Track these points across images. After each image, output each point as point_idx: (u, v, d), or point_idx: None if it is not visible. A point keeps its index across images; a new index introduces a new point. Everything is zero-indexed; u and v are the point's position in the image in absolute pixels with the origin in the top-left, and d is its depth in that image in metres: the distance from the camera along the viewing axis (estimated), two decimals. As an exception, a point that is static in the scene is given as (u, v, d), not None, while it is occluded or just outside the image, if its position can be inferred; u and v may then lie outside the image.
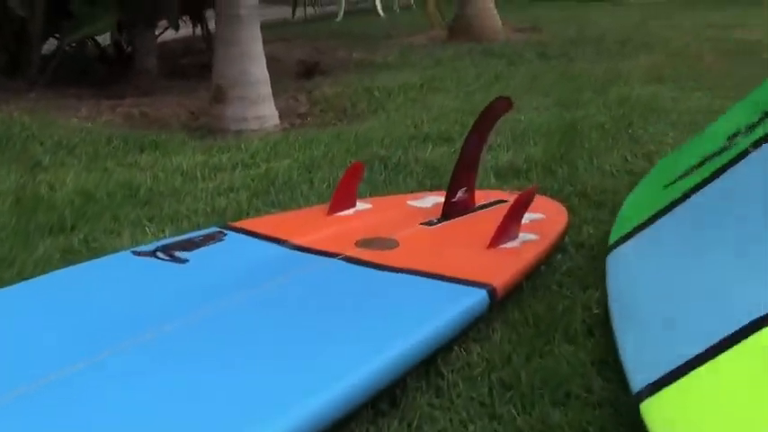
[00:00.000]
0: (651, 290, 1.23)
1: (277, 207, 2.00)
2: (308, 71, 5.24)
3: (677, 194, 1.54)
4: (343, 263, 1.40)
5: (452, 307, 1.22)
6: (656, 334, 1.11)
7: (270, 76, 3.32)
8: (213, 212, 1.99)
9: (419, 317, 1.18)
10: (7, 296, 1.26)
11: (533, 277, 1.49)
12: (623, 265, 1.42)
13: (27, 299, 1.25)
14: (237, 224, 1.60)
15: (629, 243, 1.52)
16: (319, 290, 1.29)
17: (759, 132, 1.52)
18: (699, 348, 1.03)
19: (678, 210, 1.47)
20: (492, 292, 1.29)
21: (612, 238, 1.61)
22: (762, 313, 1.04)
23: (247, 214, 1.96)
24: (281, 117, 3.46)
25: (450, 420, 1.10)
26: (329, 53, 5.72)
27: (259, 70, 3.39)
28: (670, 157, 2.03)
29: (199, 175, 2.38)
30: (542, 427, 1.09)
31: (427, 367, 1.19)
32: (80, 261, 1.62)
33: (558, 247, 1.63)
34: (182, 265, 1.37)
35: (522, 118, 2.98)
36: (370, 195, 2.05)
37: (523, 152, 2.42)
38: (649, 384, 1.02)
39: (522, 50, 5.48)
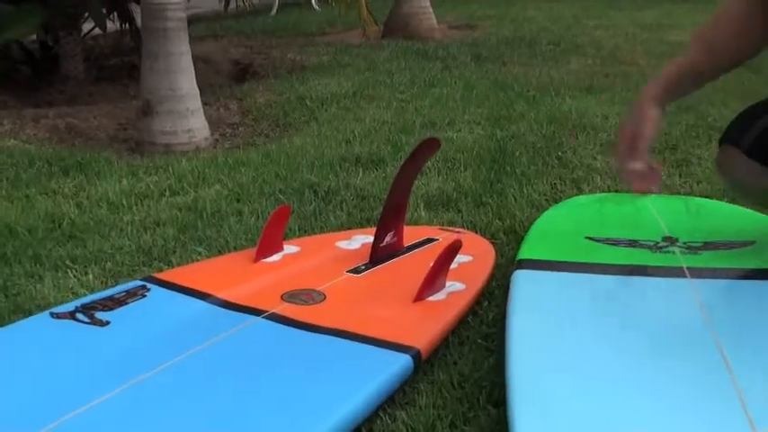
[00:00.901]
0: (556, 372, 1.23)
1: (204, 244, 1.97)
2: (242, 73, 5.19)
3: (597, 260, 1.57)
4: (269, 322, 1.38)
5: (378, 375, 1.22)
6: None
7: (202, 80, 3.28)
8: (139, 251, 1.94)
9: (345, 387, 1.17)
10: None
11: (459, 328, 1.50)
12: (528, 304, 1.42)
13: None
14: (162, 275, 1.57)
15: (540, 277, 1.52)
16: (244, 356, 1.27)
17: (700, 261, 1.56)
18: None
19: (595, 281, 1.50)
20: (416, 356, 1.29)
21: (523, 254, 1.63)
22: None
23: (174, 252, 1.93)
24: (211, 127, 3.42)
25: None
26: (263, 53, 5.67)
27: (188, 84, 3.35)
28: (599, 202, 2.06)
29: (125, 203, 2.33)
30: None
31: (353, 436, 1.18)
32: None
33: (484, 291, 1.63)
34: (102, 329, 1.34)
35: (455, 136, 2.99)
36: (299, 229, 2.03)
37: (454, 179, 2.42)
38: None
39: (457, 52, 5.50)
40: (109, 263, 1.88)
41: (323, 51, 5.38)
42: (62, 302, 1.63)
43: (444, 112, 3.53)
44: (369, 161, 2.64)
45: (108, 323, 1.36)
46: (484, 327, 1.53)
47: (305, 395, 1.16)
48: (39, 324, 1.36)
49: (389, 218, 1.70)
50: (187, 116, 3.34)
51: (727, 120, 2.67)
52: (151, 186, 2.47)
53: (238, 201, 2.32)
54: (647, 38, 6.46)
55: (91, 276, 1.80)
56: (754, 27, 1.58)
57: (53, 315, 1.39)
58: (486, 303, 1.62)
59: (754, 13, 1.57)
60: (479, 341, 1.47)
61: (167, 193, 2.40)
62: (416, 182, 2.36)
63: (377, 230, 1.68)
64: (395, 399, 1.28)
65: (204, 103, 3.38)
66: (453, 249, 1.52)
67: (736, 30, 1.59)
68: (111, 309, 1.41)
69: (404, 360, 1.27)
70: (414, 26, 6.41)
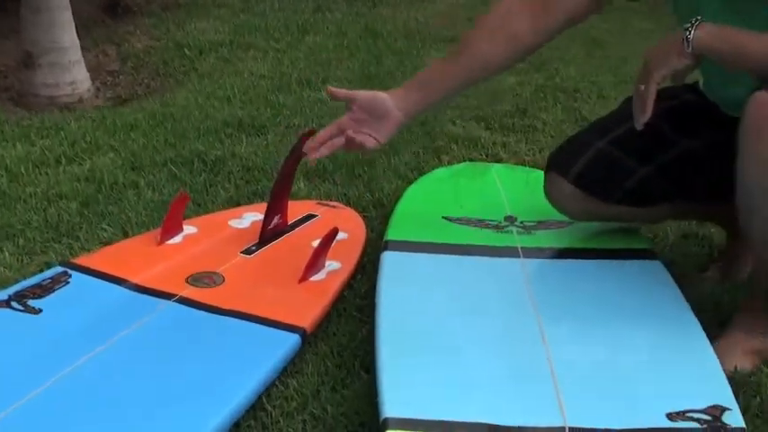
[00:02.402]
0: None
1: (107, 219, 2.19)
2: (112, 4, 5.19)
3: (451, 240, 1.90)
4: (179, 305, 1.66)
5: (273, 354, 1.52)
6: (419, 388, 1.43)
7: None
8: (47, 226, 2.15)
9: (248, 367, 1.47)
10: None
11: (337, 303, 1.81)
12: (394, 284, 1.73)
13: None
14: (80, 261, 1.80)
15: (403, 258, 1.84)
16: (160, 341, 1.54)
17: (532, 241, 1.87)
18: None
19: (448, 261, 1.83)
20: (303, 335, 1.59)
21: (390, 235, 1.95)
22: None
23: (80, 228, 2.15)
24: (92, 75, 3.57)
25: (274, 454, 1.42)
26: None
27: (69, 36, 3.47)
28: (454, 177, 2.39)
29: (23, 171, 2.50)
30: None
31: (254, 403, 1.49)
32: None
33: (358, 267, 1.95)
34: (37, 316, 1.59)
35: (327, 99, 3.24)
36: (193, 203, 2.28)
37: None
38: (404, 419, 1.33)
39: (327, -13, 5.58)
40: (21, 239, 2.08)
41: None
42: (-17, 281, 1.85)
43: (318, 66, 3.77)
44: (251, 126, 2.88)
45: (40, 311, 1.60)
46: (358, 300, 1.84)
47: (214, 376, 1.45)
48: (-21, 313, 1.59)
49: (276, 204, 1.99)
50: (69, 68, 3.47)
51: (573, 80, 3.03)
52: (47, 153, 2.64)
53: (133, 169, 2.53)
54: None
55: (6, 254, 2.01)
56: (518, 31, 1.74)
57: (-10, 304, 1.62)
58: (359, 277, 1.93)
59: (521, 17, 1.74)
60: (354, 313, 1.79)
61: (63, 161, 2.58)
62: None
63: (265, 215, 1.96)
64: (287, 368, 1.59)
65: (82, 47, 3.49)
66: (331, 237, 1.82)
67: (496, 34, 1.75)
68: (40, 296, 1.65)
69: (293, 339, 1.57)
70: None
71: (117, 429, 1.31)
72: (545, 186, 1.89)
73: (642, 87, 1.63)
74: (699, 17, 1.56)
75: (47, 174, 2.49)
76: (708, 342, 1.58)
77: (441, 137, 2.81)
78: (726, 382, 1.45)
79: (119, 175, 2.46)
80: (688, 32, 1.54)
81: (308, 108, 3.09)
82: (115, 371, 1.45)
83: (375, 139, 1.73)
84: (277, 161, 2.56)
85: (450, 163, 2.60)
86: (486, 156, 2.69)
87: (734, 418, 1.35)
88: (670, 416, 1.36)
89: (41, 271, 1.92)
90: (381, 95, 1.74)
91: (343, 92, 1.76)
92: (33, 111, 3.33)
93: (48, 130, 2.87)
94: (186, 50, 4.00)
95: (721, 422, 1.34)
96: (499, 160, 2.65)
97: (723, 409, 1.37)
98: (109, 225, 2.15)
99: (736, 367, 1.64)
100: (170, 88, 3.55)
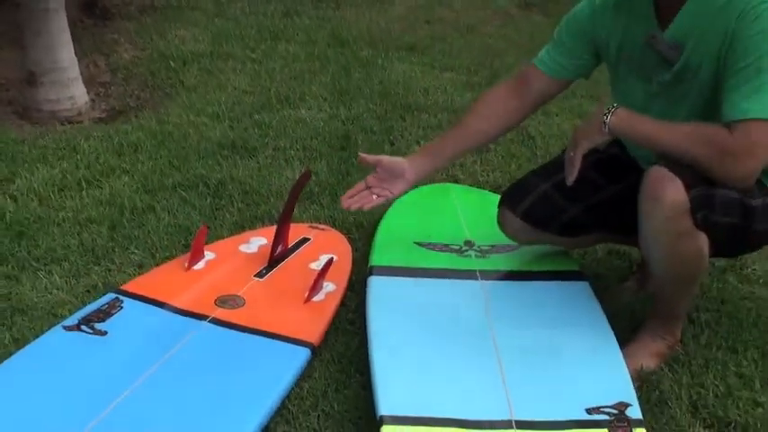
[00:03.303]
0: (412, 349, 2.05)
1: (135, 243, 2.63)
2: (90, 5, 5.52)
3: (423, 264, 2.38)
4: (213, 326, 2.12)
5: (293, 366, 1.99)
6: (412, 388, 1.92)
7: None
8: (85, 250, 2.58)
9: (275, 379, 1.94)
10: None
11: (335, 320, 2.29)
12: (380, 305, 2.19)
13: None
14: (128, 287, 2.24)
15: (386, 282, 2.32)
16: (202, 355, 1.99)
17: (488, 264, 2.36)
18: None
19: (421, 284, 2.31)
20: (313, 349, 2.07)
21: (374, 261, 2.42)
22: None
23: (114, 251, 2.59)
24: (86, 86, 3.93)
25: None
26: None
27: (68, 56, 3.86)
28: (422, 199, 2.86)
29: (51, 195, 2.92)
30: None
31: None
32: None
33: (350, 286, 2.42)
34: (104, 338, 2.04)
35: (308, 117, 3.70)
36: (205, 225, 2.72)
37: (315, 170, 3.16)
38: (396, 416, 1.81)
39: (294, -14, 5.94)
40: (66, 263, 2.51)
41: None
42: (44, 301, 2.29)
43: (293, 80, 4.20)
44: (243, 149, 3.31)
45: (106, 333, 2.05)
46: (350, 314, 2.32)
47: (250, 386, 1.91)
48: (57, 338, 2.03)
49: (280, 232, 2.45)
50: (68, 85, 3.87)
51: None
52: (68, 176, 3.05)
53: (147, 192, 2.96)
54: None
55: (56, 277, 2.44)
56: (505, 111, 2.29)
57: (65, 328, 2.06)
58: (349, 294, 2.41)
59: (506, 100, 2.29)
60: (348, 327, 2.27)
61: (84, 185, 2.99)
62: (289, 175, 3.09)
63: (273, 244, 2.42)
64: (300, 374, 2.07)
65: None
66: (328, 265, 2.29)
67: (488, 114, 2.29)
68: (103, 320, 2.09)
69: (305, 352, 2.05)
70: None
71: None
72: (498, 218, 2.38)
73: (572, 153, 2.12)
74: (615, 105, 2.05)
75: (71, 197, 2.91)
76: (618, 349, 2.08)
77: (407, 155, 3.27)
78: (630, 382, 1.96)
79: (136, 199, 2.89)
80: (606, 117, 2.04)
81: (291, 128, 3.54)
82: (171, 385, 1.90)
83: (391, 192, 2.23)
84: (270, 185, 3.01)
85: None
86: (447, 176, 3.16)
87: (634, 411, 1.86)
88: (588, 410, 1.86)
89: (88, 292, 2.37)
90: (400, 161, 2.26)
91: (372, 158, 2.27)
92: (38, 124, 3.73)
93: (63, 151, 3.28)
94: (171, 62, 4.39)
95: (625, 415, 1.85)
96: (457, 181, 3.13)
97: (626, 405, 1.87)
98: (137, 248, 2.59)
99: (641, 366, 2.15)
100: (161, 101, 3.95)
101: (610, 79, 2.30)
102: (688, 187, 1.91)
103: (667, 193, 1.91)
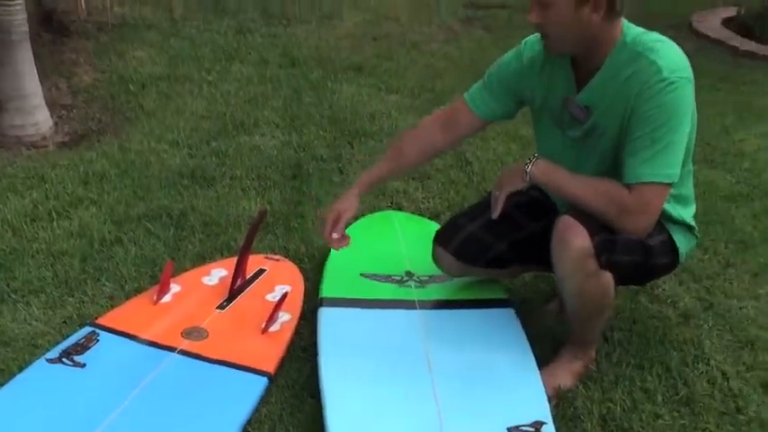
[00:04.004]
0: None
1: (105, 275, 2.88)
2: (47, 18, 5.68)
3: (367, 295, 2.67)
4: (181, 356, 2.39)
5: (252, 393, 2.27)
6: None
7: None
8: (60, 282, 2.80)
9: (237, 406, 2.22)
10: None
11: (289, 347, 2.57)
12: (333, 337, 2.50)
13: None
14: (102, 321, 2.49)
15: (334, 313, 2.60)
16: (172, 385, 2.26)
17: (426, 294, 2.66)
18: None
19: (364, 314, 2.60)
20: (270, 377, 2.36)
21: (324, 293, 2.71)
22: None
23: (86, 283, 2.83)
24: (49, 109, 4.13)
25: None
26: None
27: (32, 84, 4.08)
28: (367, 230, 3.14)
29: (24, 227, 3.15)
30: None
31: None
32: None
33: (302, 315, 2.70)
34: (83, 369, 2.29)
35: (261, 145, 3.96)
36: (169, 256, 2.98)
37: (269, 200, 3.43)
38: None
39: (246, 3, 6.25)
40: (42, 294, 2.75)
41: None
42: (24, 333, 2.54)
43: (247, 104, 4.45)
44: (201, 178, 3.57)
45: (85, 365, 2.31)
46: (303, 342, 2.60)
47: (215, 413, 2.18)
48: (41, 370, 2.28)
49: (239, 267, 2.72)
50: (33, 111, 4.09)
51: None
52: (39, 207, 3.28)
53: (113, 223, 3.20)
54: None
55: (34, 308, 2.68)
56: (433, 142, 2.59)
57: (47, 360, 2.32)
58: (302, 322, 2.69)
59: (435, 132, 2.58)
60: (301, 354, 2.55)
61: (55, 216, 3.23)
62: (246, 205, 3.36)
63: (232, 278, 2.69)
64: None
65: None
66: (283, 299, 2.57)
67: (419, 144, 2.58)
68: (81, 353, 2.35)
69: (264, 381, 2.33)
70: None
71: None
72: (433, 255, 2.68)
73: (497, 194, 2.43)
74: (536, 155, 2.36)
75: (43, 228, 3.14)
76: (537, 372, 2.39)
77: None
78: (546, 402, 2.28)
79: (104, 230, 3.13)
80: (527, 166, 2.34)
81: (246, 156, 3.80)
82: (145, 414, 2.16)
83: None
84: (228, 215, 3.28)
85: (363, 212, 3.36)
86: (391, 203, 3.46)
87: (549, 429, 2.18)
88: (509, 429, 2.17)
89: (65, 323, 2.62)
90: (354, 205, 2.53)
91: (336, 230, 2.51)
92: (3, 148, 3.94)
93: (31, 180, 3.50)
94: (130, 85, 4.62)
95: (540, 433, 2.17)
96: (401, 208, 3.43)
97: (542, 423, 2.19)
98: (107, 281, 2.84)
99: (559, 385, 2.47)
100: (122, 126, 4.18)
101: (533, 124, 2.60)
102: (592, 234, 2.23)
103: (574, 240, 2.23)
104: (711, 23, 6.84)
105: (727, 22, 6.89)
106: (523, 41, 2.48)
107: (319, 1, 6.56)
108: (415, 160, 2.65)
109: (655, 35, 2.27)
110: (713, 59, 5.80)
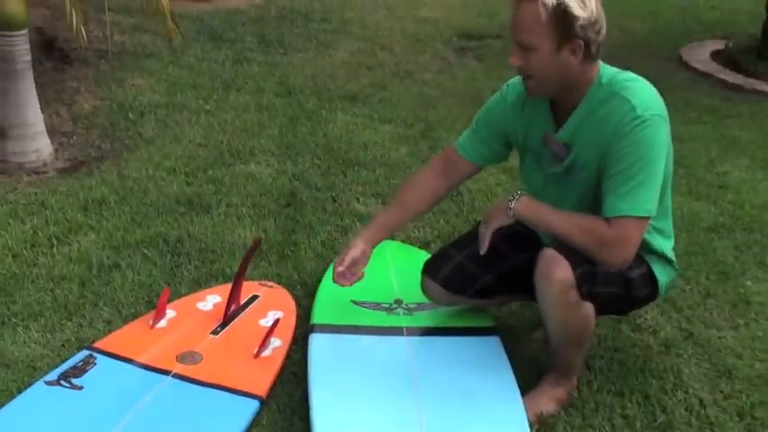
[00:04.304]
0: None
1: (103, 300, 2.97)
2: (48, 46, 5.79)
3: (357, 322, 2.76)
4: (175, 380, 2.47)
5: (244, 416, 2.36)
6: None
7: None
8: (59, 306, 2.90)
9: (230, 429, 2.30)
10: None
11: (281, 372, 2.65)
12: (323, 362, 2.58)
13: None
14: (99, 345, 2.58)
15: (326, 339, 2.69)
16: (166, 407, 2.35)
17: (413, 321, 2.75)
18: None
19: (355, 340, 2.69)
20: (262, 401, 2.44)
21: (315, 319, 2.80)
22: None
23: (84, 307, 2.92)
24: (49, 136, 4.23)
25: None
26: (63, 19, 6.17)
27: (34, 112, 4.19)
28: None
29: (24, 252, 3.24)
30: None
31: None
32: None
33: (294, 340, 2.79)
34: (81, 392, 2.38)
35: (257, 173, 4.06)
36: (166, 283, 3.06)
37: (264, 228, 3.53)
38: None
39: (243, 32, 6.37)
40: (41, 318, 2.84)
41: (122, 25, 6.07)
42: (23, 355, 2.62)
43: (243, 132, 4.56)
44: (198, 206, 3.66)
45: (82, 387, 2.40)
46: (294, 367, 2.68)
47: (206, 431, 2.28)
48: (40, 392, 2.36)
49: (233, 294, 2.81)
50: (34, 138, 4.18)
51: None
52: (39, 233, 3.37)
53: (112, 248, 3.29)
54: (403, 13, 7.61)
55: (34, 332, 2.76)
56: (434, 189, 2.69)
57: (46, 383, 2.40)
58: (294, 347, 2.77)
59: (434, 180, 2.68)
60: (291, 379, 2.63)
61: (54, 242, 3.32)
62: (241, 232, 3.45)
63: (227, 304, 2.78)
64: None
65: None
66: (275, 325, 2.66)
67: (420, 193, 2.68)
68: (79, 376, 2.43)
69: (255, 404, 2.41)
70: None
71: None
72: (421, 284, 2.77)
73: (483, 230, 2.53)
74: (519, 192, 2.47)
75: (43, 254, 3.23)
76: (519, 397, 2.48)
77: (347, 215, 3.66)
78: (527, 426, 2.36)
79: (102, 256, 3.22)
80: (510, 203, 2.44)
81: (242, 185, 3.90)
82: (141, 433, 2.26)
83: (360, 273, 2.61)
84: (224, 242, 3.37)
85: (355, 241, 3.45)
86: (383, 232, 3.54)
87: (529, 453, 2.27)
88: (490, 453, 2.26)
89: (63, 346, 2.70)
90: (363, 251, 2.58)
91: (354, 272, 2.58)
92: (5, 174, 4.03)
93: (32, 206, 3.60)
94: (129, 113, 4.73)
95: (521, 456, 2.25)
96: (392, 237, 3.52)
97: (523, 447, 2.28)
98: (105, 306, 2.93)
99: (542, 412, 2.55)
100: (120, 153, 4.28)
101: (519, 161, 2.70)
102: (574, 266, 2.33)
103: (556, 273, 2.32)
104: (700, 56, 6.96)
105: (715, 56, 7.01)
106: (506, 84, 2.59)
107: (315, 30, 6.69)
108: (419, 209, 2.74)
109: (629, 74, 2.37)
110: (701, 92, 5.92)
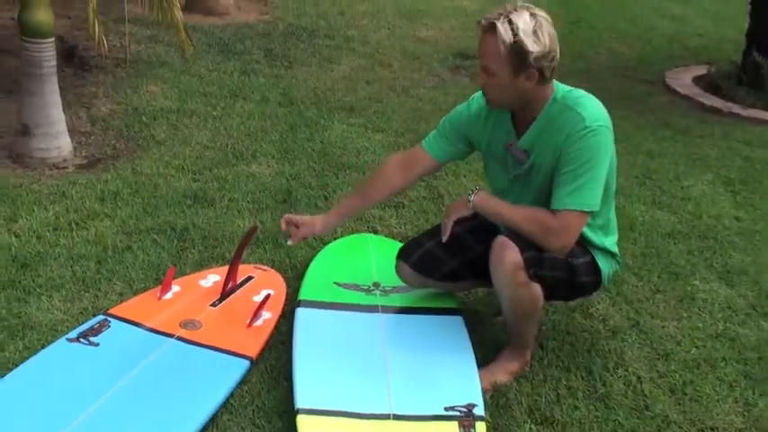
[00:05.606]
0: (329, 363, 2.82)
1: (116, 276, 3.37)
2: (69, 54, 6.21)
3: (338, 300, 3.16)
4: (178, 342, 2.87)
5: (237, 372, 2.75)
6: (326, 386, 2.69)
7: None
8: (78, 280, 3.29)
9: (223, 382, 2.69)
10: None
11: (270, 340, 3.04)
12: (304, 330, 2.96)
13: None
14: (114, 311, 2.97)
15: (310, 313, 3.09)
16: (169, 363, 2.74)
17: (389, 301, 3.15)
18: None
19: (336, 315, 3.09)
20: (252, 361, 2.83)
21: (302, 295, 3.19)
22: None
23: (100, 282, 3.32)
24: (69, 135, 4.63)
25: None
26: (83, 28, 6.55)
27: (57, 113, 4.59)
28: (344, 248, 3.64)
29: (47, 234, 3.64)
30: None
31: (227, 399, 2.70)
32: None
33: (281, 315, 3.18)
34: (97, 348, 2.77)
35: (257, 172, 4.47)
36: (173, 265, 3.45)
37: (261, 220, 3.93)
38: (307, 409, 2.58)
39: (251, 46, 6.78)
40: (62, 290, 3.23)
41: (138, 36, 6.49)
42: (47, 320, 3.01)
43: (247, 137, 4.97)
44: (203, 200, 4.07)
45: (98, 344, 2.79)
46: (282, 336, 3.07)
47: (205, 386, 2.66)
48: (62, 347, 2.76)
49: (231, 273, 3.21)
50: (56, 136, 4.58)
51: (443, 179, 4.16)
52: (60, 219, 3.77)
53: (125, 234, 3.70)
54: (404, 32, 8.01)
55: (56, 300, 3.16)
56: (394, 182, 3.06)
57: (68, 340, 2.80)
58: (282, 320, 3.17)
59: (395, 174, 3.06)
60: (279, 345, 3.02)
61: (74, 227, 3.72)
62: (240, 223, 3.85)
63: (224, 281, 3.18)
64: (242, 379, 2.81)
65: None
66: (266, 300, 3.06)
67: (381, 185, 3.06)
68: (96, 335, 2.83)
69: (246, 364, 2.80)
70: (211, 2, 7.67)
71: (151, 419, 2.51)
72: (396, 267, 3.17)
73: (446, 221, 2.93)
74: (478, 187, 2.87)
75: (64, 236, 3.63)
76: (474, 365, 2.85)
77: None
78: (479, 388, 2.74)
79: (117, 240, 3.62)
80: (470, 197, 2.84)
81: (243, 183, 4.31)
82: (145, 385, 2.64)
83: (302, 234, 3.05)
84: (225, 231, 3.77)
85: (342, 234, 3.85)
86: (368, 228, 3.95)
87: (479, 410, 2.64)
88: (446, 408, 2.64)
89: (81, 313, 3.09)
90: (312, 223, 3.06)
91: (298, 234, 3.06)
92: (29, 168, 4.44)
93: (54, 196, 4.00)
94: (143, 117, 5.14)
95: (472, 413, 2.63)
96: (376, 232, 3.92)
97: (474, 405, 2.65)
98: (118, 280, 3.33)
99: (496, 381, 2.93)
100: (134, 152, 4.69)
101: (483, 166, 3.09)
102: (522, 250, 2.72)
103: (507, 255, 2.71)
104: (683, 80, 7.34)
105: (697, 80, 7.37)
106: (472, 97, 2.99)
107: (320, 46, 7.09)
108: (377, 198, 3.17)
109: (580, 92, 2.77)
110: (679, 114, 6.26)
